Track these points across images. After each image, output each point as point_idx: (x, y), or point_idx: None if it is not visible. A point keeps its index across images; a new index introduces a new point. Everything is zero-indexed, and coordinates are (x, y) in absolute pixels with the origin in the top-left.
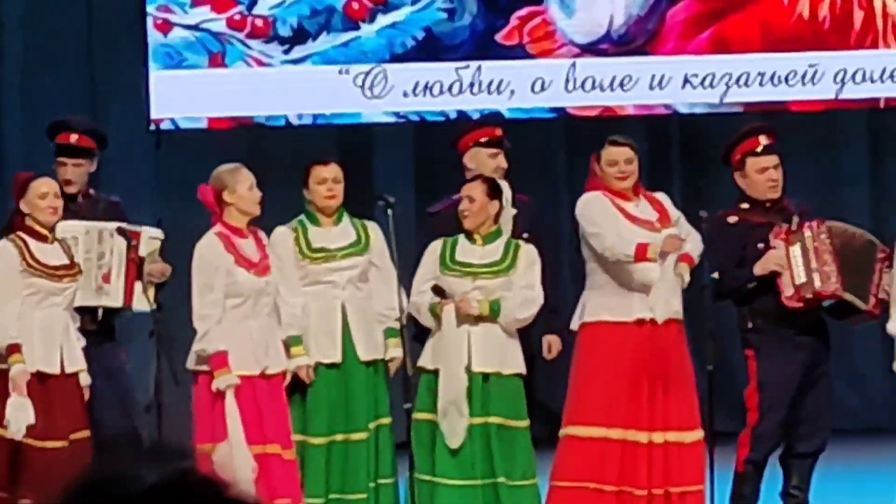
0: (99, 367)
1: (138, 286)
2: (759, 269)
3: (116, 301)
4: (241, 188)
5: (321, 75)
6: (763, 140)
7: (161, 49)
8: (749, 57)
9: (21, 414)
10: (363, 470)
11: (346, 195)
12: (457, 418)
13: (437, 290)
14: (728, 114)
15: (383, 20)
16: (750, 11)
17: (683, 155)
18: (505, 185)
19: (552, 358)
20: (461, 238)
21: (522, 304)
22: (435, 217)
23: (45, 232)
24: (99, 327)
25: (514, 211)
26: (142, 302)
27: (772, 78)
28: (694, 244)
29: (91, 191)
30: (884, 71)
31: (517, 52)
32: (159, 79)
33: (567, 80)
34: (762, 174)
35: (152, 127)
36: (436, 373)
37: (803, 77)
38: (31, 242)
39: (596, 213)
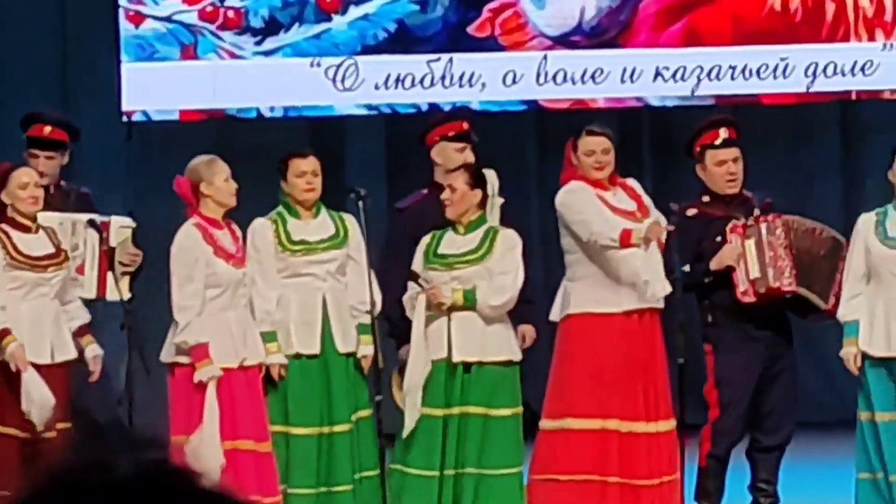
0: (77, 358)
1: (110, 276)
2: (715, 263)
3: (90, 292)
4: (218, 180)
5: (293, 68)
6: (723, 133)
7: (133, 41)
8: (720, 50)
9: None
10: (348, 462)
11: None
12: (411, 406)
13: (413, 277)
14: (699, 107)
15: (355, 12)
16: (721, 4)
17: (655, 148)
18: (492, 175)
19: (525, 348)
20: (449, 230)
21: (496, 291)
22: (404, 213)
23: (27, 222)
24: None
25: (500, 200)
26: (114, 292)
27: (743, 71)
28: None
29: (62, 182)
30: (855, 64)
31: (489, 45)
32: (131, 70)
33: (538, 73)
34: (721, 167)
35: (124, 119)
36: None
37: (775, 70)
38: (14, 234)
39: (580, 201)
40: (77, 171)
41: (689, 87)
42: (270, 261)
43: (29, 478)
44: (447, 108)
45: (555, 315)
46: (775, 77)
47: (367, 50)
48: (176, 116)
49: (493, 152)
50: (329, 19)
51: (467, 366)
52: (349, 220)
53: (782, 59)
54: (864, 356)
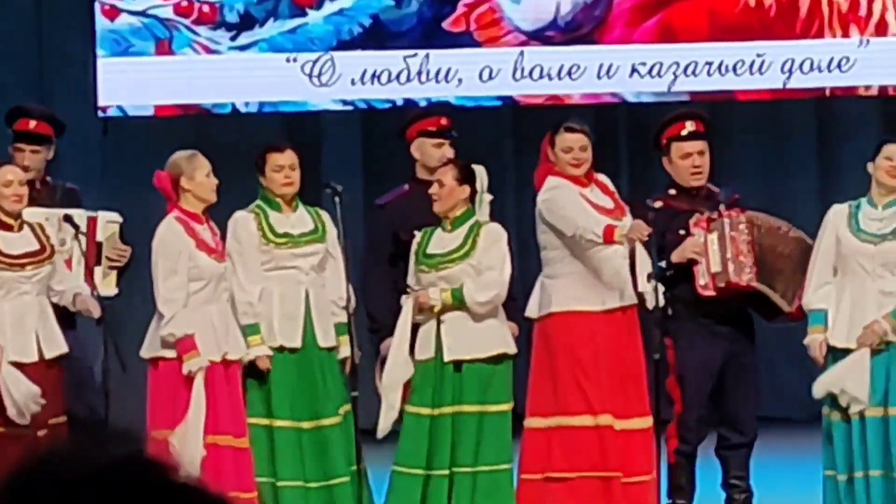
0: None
1: (98, 271)
2: (677, 256)
3: (78, 288)
4: (199, 175)
5: (269, 63)
6: (689, 126)
7: (108, 35)
8: (697, 46)
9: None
10: (342, 454)
11: None
12: (387, 407)
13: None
14: (675, 103)
15: (330, 7)
16: None
17: (631, 143)
18: (481, 171)
19: None
20: (438, 228)
21: (482, 288)
22: (384, 209)
23: (10, 221)
24: (60, 314)
25: (490, 196)
26: (102, 287)
27: (719, 67)
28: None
29: (48, 178)
30: (831, 61)
31: (464, 40)
32: (106, 65)
33: (515, 69)
34: (686, 160)
35: (100, 114)
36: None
37: (751, 66)
38: None
39: (564, 197)
40: (53, 166)
41: (666, 83)
42: (253, 253)
43: (4, 472)
44: (423, 103)
45: (532, 312)
46: (752, 73)
47: (342, 45)
48: (151, 112)
49: (469, 148)
50: (304, 14)
51: (458, 365)
52: (324, 215)
53: (759, 56)
54: (829, 348)
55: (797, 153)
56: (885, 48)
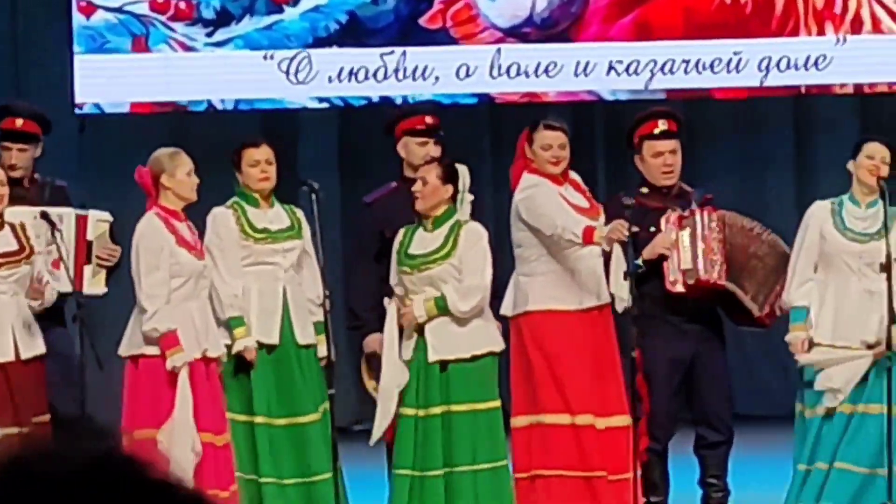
0: (48, 351)
1: (87, 270)
2: (648, 252)
3: (65, 286)
4: (180, 173)
5: (245, 60)
6: (662, 125)
7: (84, 32)
8: (674, 44)
9: None
10: (323, 451)
11: None
12: (383, 414)
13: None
14: (652, 100)
15: (307, 3)
16: None
17: (607, 142)
18: (464, 170)
19: None
20: (420, 227)
21: (464, 296)
22: (371, 206)
23: None
24: (48, 312)
25: (471, 196)
26: (92, 286)
27: (696, 65)
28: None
29: (37, 175)
30: (808, 59)
31: (440, 37)
32: (83, 62)
33: (492, 67)
34: (657, 158)
35: (77, 111)
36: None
37: (728, 64)
38: None
39: (543, 195)
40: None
41: (643, 80)
42: (233, 248)
43: None
44: (399, 101)
45: (507, 310)
46: (728, 71)
47: (318, 41)
48: (127, 109)
49: (446, 146)
50: (280, 11)
51: (443, 365)
52: (300, 213)
53: (735, 54)
54: (811, 344)
55: (774, 150)
56: (862, 46)
